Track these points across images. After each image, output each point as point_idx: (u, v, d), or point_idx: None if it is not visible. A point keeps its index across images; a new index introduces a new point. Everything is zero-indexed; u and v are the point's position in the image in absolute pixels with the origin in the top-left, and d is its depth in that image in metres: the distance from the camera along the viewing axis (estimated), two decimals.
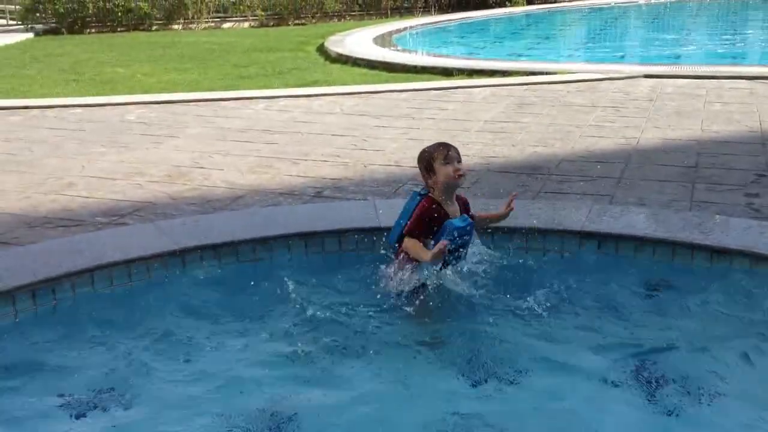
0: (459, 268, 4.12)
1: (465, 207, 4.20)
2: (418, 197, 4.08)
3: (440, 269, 4.03)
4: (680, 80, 10.87)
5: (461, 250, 4.08)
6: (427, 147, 4.16)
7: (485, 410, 3.23)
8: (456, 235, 3.94)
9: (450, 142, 4.18)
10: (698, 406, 3.27)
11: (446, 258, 3.99)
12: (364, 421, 3.21)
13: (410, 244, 3.98)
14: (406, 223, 4.04)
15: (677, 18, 23.34)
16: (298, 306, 4.13)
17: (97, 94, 10.35)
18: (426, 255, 3.87)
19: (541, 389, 3.40)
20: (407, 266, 4.02)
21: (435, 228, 3.99)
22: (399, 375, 3.52)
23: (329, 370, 3.55)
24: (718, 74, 11.06)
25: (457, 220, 3.99)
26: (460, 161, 4.03)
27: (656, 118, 8.44)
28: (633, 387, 3.40)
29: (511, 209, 4.27)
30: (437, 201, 4.04)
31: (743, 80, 10.73)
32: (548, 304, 4.05)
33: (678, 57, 14.65)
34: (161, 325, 3.92)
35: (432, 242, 3.97)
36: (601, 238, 4.71)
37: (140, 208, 5.47)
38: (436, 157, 4.02)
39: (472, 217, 4.12)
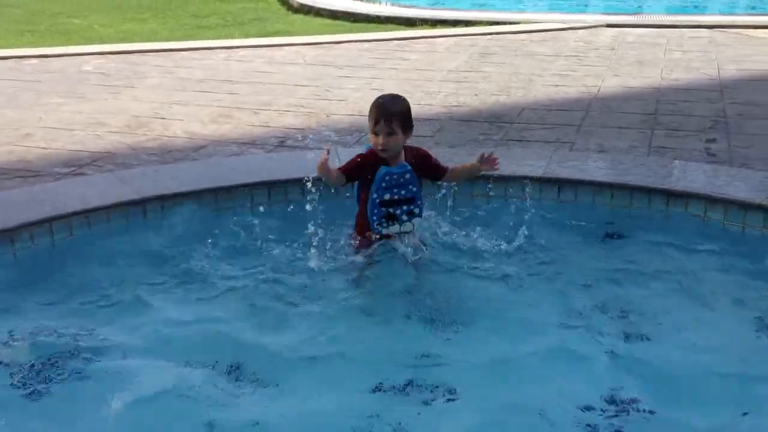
0: (413, 227, 3.89)
1: (418, 160, 3.88)
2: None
3: (388, 225, 3.83)
4: (642, 29, 10.92)
5: (405, 205, 3.82)
6: (375, 99, 3.84)
7: (441, 356, 3.27)
8: (387, 179, 3.74)
9: (388, 101, 3.80)
10: (647, 339, 3.39)
11: (391, 211, 3.81)
12: (317, 369, 3.21)
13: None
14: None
15: None
16: (260, 255, 4.15)
17: (54, 45, 10.11)
18: (327, 172, 3.66)
19: (499, 335, 3.43)
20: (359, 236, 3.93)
21: (369, 177, 3.79)
22: (351, 324, 3.56)
23: (286, 318, 3.58)
24: (678, 23, 11.14)
25: (390, 167, 3.77)
26: (390, 131, 3.67)
27: (617, 66, 8.50)
28: (591, 325, 3.49)
29: (489, 165, 3.97)
30: (376, 155, 3.80)
31: (703, 29, 10.81)
32: (507, 250, 4.11)
33: (640, 7, 14.69)
34: (121, 274, 3.91)
35: (373, 193, 3.77)
36: (560, 184, 4.76)
37: (99, 159, 5.40)
38: (369, 118, 3.77)
39: (420, 163, 3.85)
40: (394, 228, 3.86)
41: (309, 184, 3.88)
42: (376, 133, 3.70)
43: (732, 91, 7.35)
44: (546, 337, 3.40)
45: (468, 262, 3.96)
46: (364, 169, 3.80)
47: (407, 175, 3.78)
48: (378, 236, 3.88)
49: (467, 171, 4.05)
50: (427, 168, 3.93)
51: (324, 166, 3.66)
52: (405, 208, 3.84)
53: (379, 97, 3.86)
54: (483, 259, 4.00)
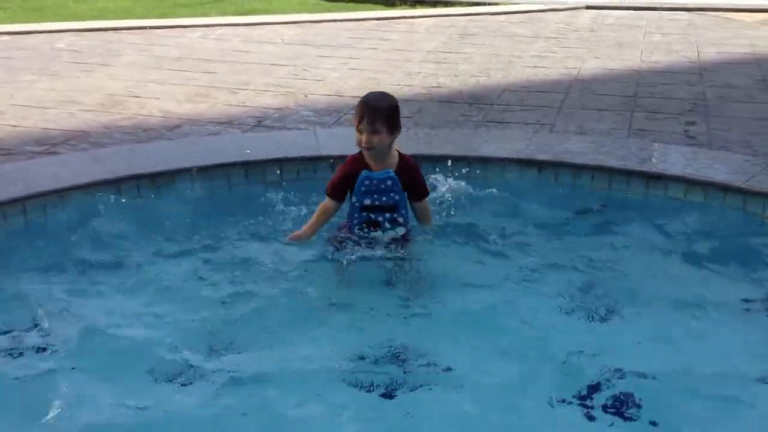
0: (397, 235, 3.74)
1: (407, 172, 3.73)
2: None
3: (369, 231, 3.72)
4: (621, 11, 10.92)
5: (388, 213, 3.70)
6: (363, 96, 3.73)
7: (424, 334, 3.26)
8: (367, 183, 3.64)
9: (375, 99, 3.69)
10: (624, 314, 3.43)
11: (372, 217, 3.70)
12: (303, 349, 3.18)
13: (319, 207, 3.82)
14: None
15: None
16: (236, 235, 4.10)
17: (27, 22, 9.92)
18: (301, 231, 3.79)
19: (482, 315, 3.41)
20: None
21: (352, 183, 3.71)
22: (332, 308, 3.51)
23: (264, 299, 3.52)
24: (658, 5, 11.15)
25: (371, 172, 3.66)
26: (374, 130, 3.57)
27: (597, 48, 8.48)
28: (571, 305, 3.49)
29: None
30: (360, 159, 3.73)
31: (683, 12, 10.83)
32: (489, 231, 4.08)
33: None
34: (95, 255, 3.83)
35: (353, 197, 3.71)
36: (540, 166, 4.74)
37: (73, 137, 5.30)
38: (354, 115, 3.65)
39: (410, 175, 3.73)
40: (377, 234, 3.74)
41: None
42: (360, 131, 3.62)
43: (711, 73, 7.35)
44: (525, 317, 3.41)
45: (450, 244, 3.92)
46: (348, 180, 3.71)
47: (388, 182, 3.67)
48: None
49: (427, 221, 3.91)
50: (413, 183, 3.78)
51: (293, 238, 3.79)
52: (388, 215, 3.72)
53: (367, 94, 3.76)
54: (462, 241, 3.97)
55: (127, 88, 6.67)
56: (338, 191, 3.76)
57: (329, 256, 3.77)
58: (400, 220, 3.74)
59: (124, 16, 10.55)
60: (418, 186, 3.82)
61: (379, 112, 3.60)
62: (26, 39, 8.74)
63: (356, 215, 3.73)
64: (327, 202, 3.80)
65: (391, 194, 3.69)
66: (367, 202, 3.69)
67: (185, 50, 8.26)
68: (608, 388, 2.90)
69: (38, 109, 5.97)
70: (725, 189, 4.36)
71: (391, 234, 3.74)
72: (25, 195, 4.14)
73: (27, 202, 4.13)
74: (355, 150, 3.77)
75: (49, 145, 5.14)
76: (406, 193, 3.74)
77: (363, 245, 3.73)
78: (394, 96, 3.82)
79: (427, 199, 3.90)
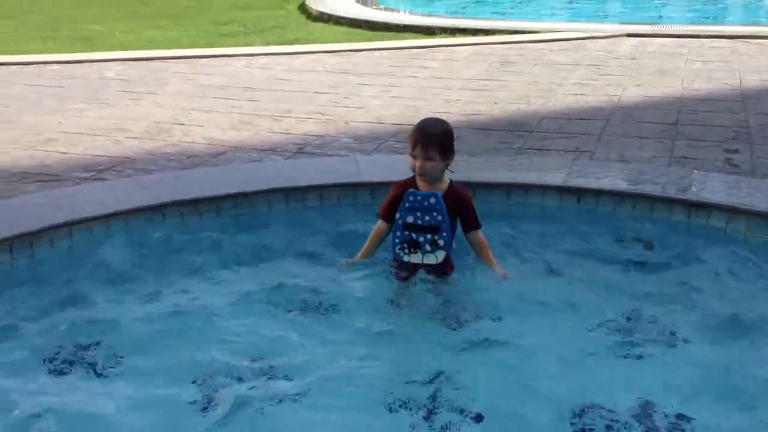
0: (436, 260, 3.75)
1: (457, 200, 3.78)
2: None
3: (410, 251, 3.75)
4: (662, 39, 10.85)
5: (429, 234, 3.72)
6: (418, 122, 3.83)
7: (465, 364, 3.26)
8: (411, 200, 3.70)
9: (428, 125, 3.78)
10: (668, 350, 3.36)
11: (414, 237, 3.73)
12: (348, 370, 3.21)
13: (373, 230, 3.97)
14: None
15: None
16: (279, 261, 4.15)
17: (76, 51, 10.19)
18: (356, 257, 3.96)
19: (525, 345, 3.38)
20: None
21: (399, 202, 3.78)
22: (377, 329, 3.53)
23: (308, 323, 3.57)
24: (699, 33, 11.05)
25: (416, 190, 3.73)
26: (428, 157, 3.65)
27: (638, 76, 8.44)
28: (612, 337, 3.47)
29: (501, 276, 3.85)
30: (411, 181, 3.81)
31: (724, 39, 10.73)
32: (529, 260, 4.09)
33: (660, 17, 14.62)
34: (140, 281, 3.92)
35: (397, 214, 3.75)
36: (580, 194, 4.73)
37: (119, 164, 5.43)
38: (408, 141, 3.75)
39: (457, 203, 3.77)
40: (417, 256, 3.75)
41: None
42: (414, 156, 3.70)
43: (755, 101, 7.27)
44: (571, 346, 3.38)
45: (490, 274, 3.91)
46: (398, 201, 3.77)
47: (432, 200, 3.70)
48: (396, 264, 3.82)
49: (486, 257, 3.89)
50: (462, 212, 3.82)
51: (346, 263, 3.96)
52: (429, 236, 3.72)
53: (421, 121, 3.85)
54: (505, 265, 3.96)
55: (173, 116, 6.82)
56: (388, 212, 3.84)
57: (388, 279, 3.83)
58: (441, 243, 3.74)
59: (171, 45, 10.78)
60: (466, 215, 3.84)
61: (433, 139, 3.68)
62: (76, 68, 8.98)
63: (398, 233, 3.77)
64: (379, 223, 3.92)
65: (434, 213, 3.70)
66: (410, 219, 3.73)
67: (229, 79, 8.42)
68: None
69: (87, 137, 6.13)
70: None
71: (431, 259, 3.75)
72: (71, 220, 4.24)
73: (73, 227, 4.22)
74: (395, 176, 3.84)
75: (96, 171, 5.27)
76: (449, 218, 3.73)
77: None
78: (447, 122, 3.88)
79: (480, 232, 3.89)
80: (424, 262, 3.76)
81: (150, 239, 4.30)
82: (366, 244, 3.97)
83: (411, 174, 3.81)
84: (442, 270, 3.80)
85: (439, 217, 3.71)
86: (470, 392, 3.04)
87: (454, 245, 3.84)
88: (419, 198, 3.71)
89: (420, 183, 3.78)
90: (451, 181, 3.85)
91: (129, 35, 11.77)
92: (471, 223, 3.86)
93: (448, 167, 3.79)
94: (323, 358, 3.28)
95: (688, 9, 16.01)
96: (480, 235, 3.89)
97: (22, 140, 6.03)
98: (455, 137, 3.83)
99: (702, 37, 10.82)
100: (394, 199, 3.82)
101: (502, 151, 5.72)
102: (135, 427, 2.86)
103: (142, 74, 8.65)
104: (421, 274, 3.78)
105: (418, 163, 3.69)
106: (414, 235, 3.74)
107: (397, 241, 3.78)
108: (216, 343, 3.37)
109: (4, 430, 2.81)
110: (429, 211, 3.71)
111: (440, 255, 3.75)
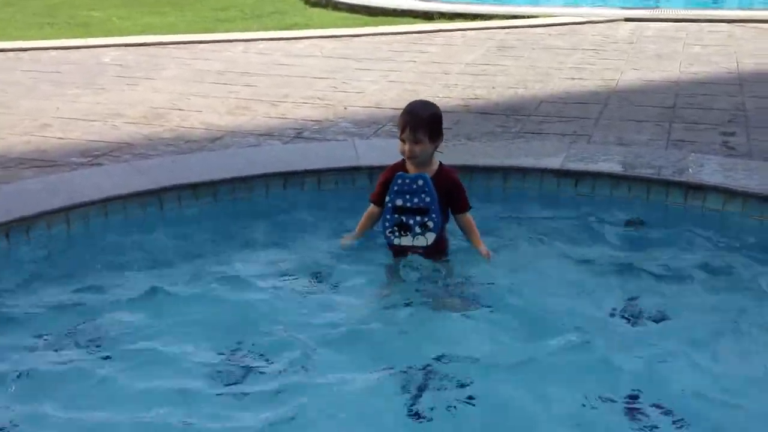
0: (426, 242, 3.73)
1: (446, 182, 3.77)
2: None
3: (400, 234, 3.74)
4: (660, 23, 10.85)
5: (418, 216, 3.70)
6: (406, 105, 3.83)
7: (468, 345, 3.25)
8: (399, 183, 3.68)
9: (417, 108, 3.77)
10: (665, 327, 3.40)
11: (403, 220, 3.71)
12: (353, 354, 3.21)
13: (365, 213, 3.98)
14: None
15: None
16: (276, 246, 4.16)
17: (73, 37, 10.17)
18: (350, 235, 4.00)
19: (523, 327, 3.37)
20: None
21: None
22: (375, 314, 3.54)
23: (309, 307, 3.58)
24: (697, 17, 11.05)
25: (404, 173, 3.72)
26: (416, 140, 3.64)
27: (636, 60, 8.44)
28: (613, 320, 3.48)
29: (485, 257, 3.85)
30: (400, 165, 3.81)
31: (722, 23, 10.72)
32: (527, 243, 4.10)
33: (658, 1, 14.58)
34: (137, 264, 3.92)
35: (387, 199, 3.74)
36: (578, 177, 4.73)
37: (116, 149, 5.43)
38: (398, 124, 3.75)
39: (447, 184, 3.76)
40: (407, 239, 3.75)
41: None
42: (403, 140, 3.69)
43: (752, 84, 7.28)
44: (569, 329, 3.36)
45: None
46: (388, 185, 3.77)
47: (420, 182, 3.68)
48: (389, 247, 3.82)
49: (473, 238, 3.88)
50: (452, 194, 3.80)
51: (345, 243, 4.01)
52: (418, 218, 3.71)
53: (409, 104, 3.83)
54: (501, 254, 3.97)
55: (170, 101, 6.81)
56: (379, 197, 3.84)
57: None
58: (431, 224, 3.72)
59: (168, 31, 10.75)
60: (456, 197, 3.83)
61: (421, 121, 3.67)
62: (72, 54, 8.96)
63: (388, 217, 3.76)
64: (371, 207, 3.93)
65: (423, 195, 3.69)
66: (399, 202, 3.71)
67: (227, 64, 8.40)
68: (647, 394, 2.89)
69: (83, 122, 6.13)
70: (765, 200, 4.32)
71: (421, 241, 3.74)
72: (68, 205, 4.23)
73: (70, 212, 4.22)
74: (393, 161, 3.83)
75: (93, 156, 5.27)
76: (439, 200, 3.72)
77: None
78: (436, 104, 3.86)
79: (469, 214, 3.88)
80: (414, 244, 3.75)
81: (148, 224, 4.29)
82: (357, 227, 3.99)
83: (400, 158, 3.80)
84: (436, 251, 3.80)
85: (428, 199, 3.70)
86: (464, 373, 3.04)
87: (447, 227, 3.85)
88: (407, 181, 3.70)
89: (410, 166, 3.77)
90: (440, 163, 3.84)
91: (127, 21, 11.74)
92: (460, 205, 3.85)
93: (438, 149, 3.78)
94: (317, 345, 3.26)
95: None
96: (468, 216, 3.88)
97: (18, 126, 6.02)
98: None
99: (699, 21, 10.82)
100: (384, 183, 3.82)
101: (501, 135, 5.73)
102: (130, 414, 2.85)
103: (139, 60, 8.64)
104: (417, 259, 3.77)
105: (407, 147, 3.68)
106: (404, 218, 3.73)
107: (387, 224, 3.77)
108: (213, 325, 3.38)
109: (1, 413, 2.82)
110: (417, 193, 3.70)
111: (430, 237, 3.74)
